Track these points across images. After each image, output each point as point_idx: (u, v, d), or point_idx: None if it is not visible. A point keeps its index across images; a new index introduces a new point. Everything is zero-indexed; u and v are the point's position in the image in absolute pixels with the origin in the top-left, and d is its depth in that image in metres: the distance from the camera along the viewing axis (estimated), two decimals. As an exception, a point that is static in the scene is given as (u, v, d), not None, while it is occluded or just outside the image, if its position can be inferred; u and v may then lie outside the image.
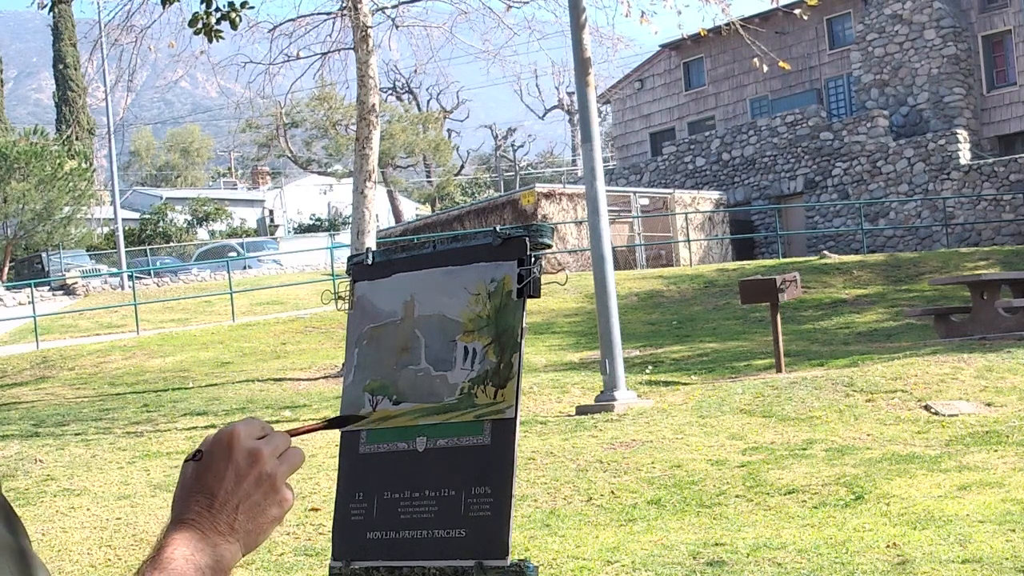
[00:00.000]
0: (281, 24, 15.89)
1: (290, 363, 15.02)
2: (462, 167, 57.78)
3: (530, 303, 1.43)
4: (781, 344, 11.03)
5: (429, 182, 54.89)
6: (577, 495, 6.87)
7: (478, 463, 1.45)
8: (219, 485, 1.02)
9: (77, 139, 45.27)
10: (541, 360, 13.36)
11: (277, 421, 10.30)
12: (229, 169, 75.71)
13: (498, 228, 1.50)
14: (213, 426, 10.21)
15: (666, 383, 10.95)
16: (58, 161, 34.51)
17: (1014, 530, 5.09)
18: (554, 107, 60.12)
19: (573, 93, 46.78)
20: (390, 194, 45.59)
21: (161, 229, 48.02)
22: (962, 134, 28.79)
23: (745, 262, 25.47)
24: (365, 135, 13.44)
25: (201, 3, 11.53)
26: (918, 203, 28.78)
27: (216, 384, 13.50)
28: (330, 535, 1.71)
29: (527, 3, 15.45)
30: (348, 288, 1.68)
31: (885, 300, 17.64)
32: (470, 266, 1.52)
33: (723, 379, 10.89)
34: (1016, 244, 25.57)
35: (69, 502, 7.33)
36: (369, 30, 13.50)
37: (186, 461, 1.05)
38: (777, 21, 30.91)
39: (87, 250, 40.65)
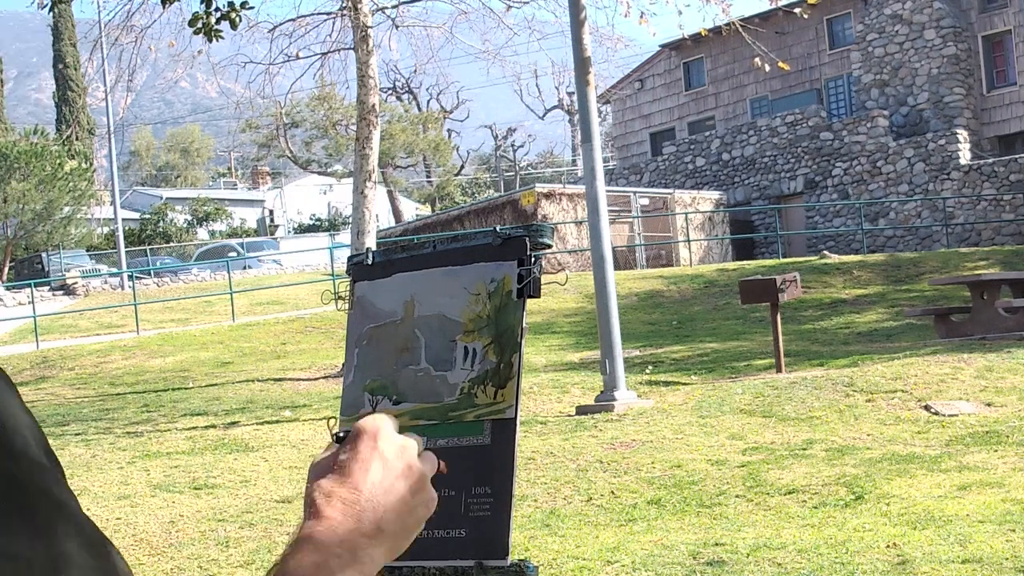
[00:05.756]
0: (281, 24, 15.89)
1: (290, 363, 15.02)
2: (462, 167, 57.77)
3: (530, 303, 1.43)
4: (781, 344, 11.03)
5: (429, 182, 54.89)
6: (577, 495, 6.87)
7: (478, 463, 1.45)
8: (364, 478, 0.89)
9: (77, 139, 45.29)
10: (541, 360, 13.36)
11: (277, 421, 10.31)
12: (229, 169, 75.72)
13: (498, 228, 1.50)
14: (213, 426, 10.20)
15: (666, 383, 10.95)
16: (58, 161, 34.52)
17: (1014, 530, 5.09)
18: (554, 107, 60.11)
19: (573, 93, 46.78)
20: (390, 194, 45.58)
21: (161, 229, 48.03)
22: (962, 134, 28.79)
23: (745, 262, 25.48)
24: (365, 135, 13.44)
25: (201, 3, 11.53)
26: (918, 203, 28.78)
27: (216, 384, 13.50)
28: (330, 535, 1.70)
29: (527, 3, 15.45)
30: (348, 288, 1.68)
31: (885, 300, 17.65)
32: (470, 266, 1.52)
33: (723, 379, 10.89)
34: (1016, 244, 25.57)
35: (69, 502, 7.32)
36: (369, 30, 13.50)
37: (330, 445, 0.95)
38: (777, 21, 30.92)
39: (87, 250, 40.64)
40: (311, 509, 0.90)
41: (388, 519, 0.89)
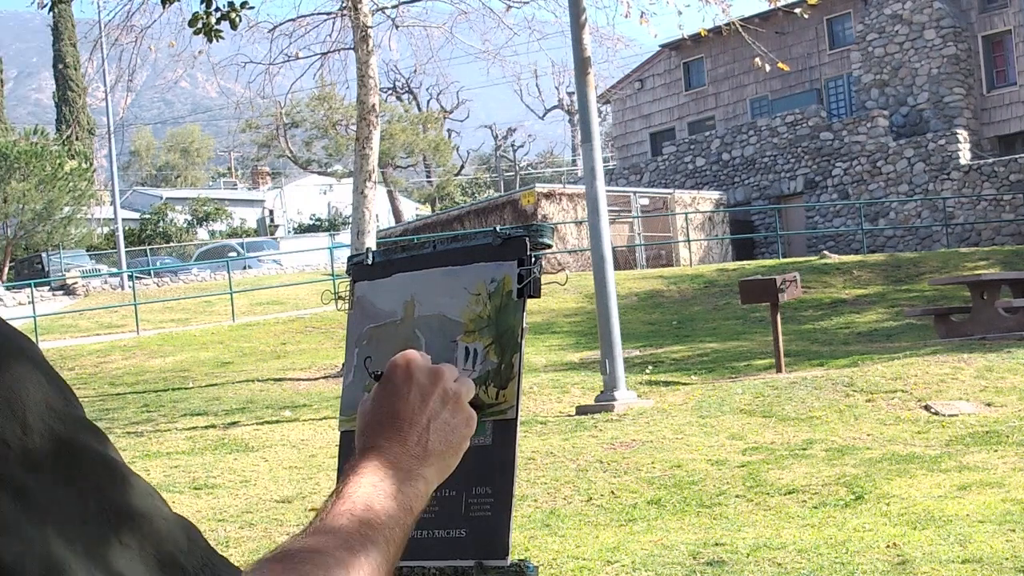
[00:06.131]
0: (281, 24, 15.90)
1: (290, 363, 15.02)
2: (462, 167, 57.77)
3: (530, 303, 1.43)
4: (781, 344, 11.03)
5: (429, 182, 54.89)
6: (577, 495, 6.87)
7: (479, 463, 1.45)
8: (404, 405, 0.98)
9: (77, 139, 45.30)
10: (541, 360, 13.36)
11: (277, 421, 10.31)
12: (229, 169, 75.74)
13: (498, 228, 1.50)
14: (213, 426, 10.21)
15: (666, 383, 10.95)
16: (58, 161, 34.51)
17: (1014, 530, 5.09)
18: (554, 107, 60.10)
19: (573, 93, 46.74)
20: (390, 194, 45.58)
21: (161, 229, 48.03)
22: (962, 134, 28.79)
23: (745, 262, 25.48)
24: (365, 135, 13.44)
25: (201, 3, 11.53)
26: (918, 203, 28.78)
27: (216, 384, 13.50)
28: (330, 535, 1.70)
29: (527, 3, 15.45)
30: (348, 288, 1.68)
31: (885, 300, 17.65)
32: (470, 266, 1.51)
33: (723, 379, 10.89)
34: (1016, 244, 25.57)
35: (69, 502, 7.32)
36: (369, 30, 13.50)
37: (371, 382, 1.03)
38: (777, 21, 30.92)
39: (87, 250, 40.63)
40: (361, 441, 0.98)
41: (432, 439, 0.98)
